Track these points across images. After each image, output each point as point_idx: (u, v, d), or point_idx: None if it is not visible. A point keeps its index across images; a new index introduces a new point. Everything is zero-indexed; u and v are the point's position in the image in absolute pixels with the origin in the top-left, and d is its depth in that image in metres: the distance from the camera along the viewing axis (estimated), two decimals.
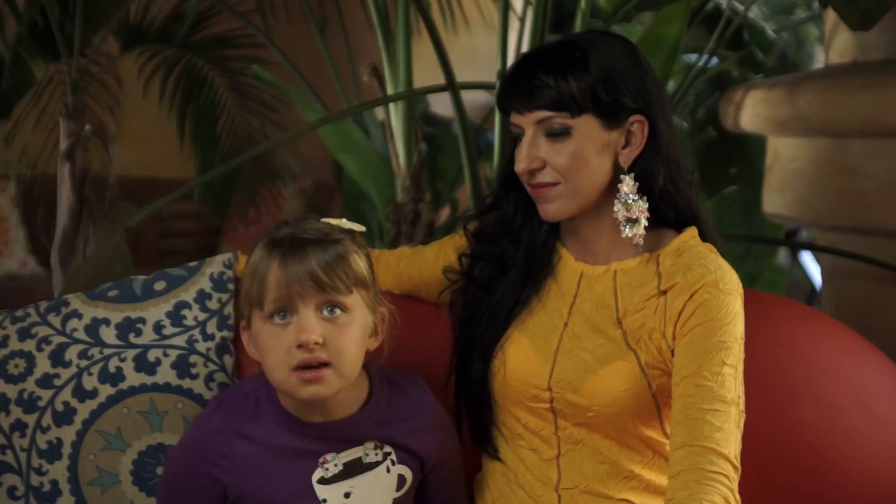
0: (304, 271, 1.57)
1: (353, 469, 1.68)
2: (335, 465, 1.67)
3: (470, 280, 1.83)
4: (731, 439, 1.59)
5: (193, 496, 1.68)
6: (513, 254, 1.79)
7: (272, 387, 1.67)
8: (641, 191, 1.70)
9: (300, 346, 1.58)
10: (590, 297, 1.74)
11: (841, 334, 2.00)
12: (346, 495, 1.67)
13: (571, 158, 1.67)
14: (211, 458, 1.66)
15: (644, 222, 1.70)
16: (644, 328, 1.69)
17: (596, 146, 1.68)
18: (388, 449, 1.70)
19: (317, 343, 1.58)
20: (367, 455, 1.69)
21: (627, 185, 1.69)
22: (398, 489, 1.71)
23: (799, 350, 1.96)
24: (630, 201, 1.69)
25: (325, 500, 1.66)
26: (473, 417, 1.81)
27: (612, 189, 1.71)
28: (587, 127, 1.67)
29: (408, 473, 1.72)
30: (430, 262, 1.92)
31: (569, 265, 1.77)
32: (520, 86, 1.69)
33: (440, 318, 1.91)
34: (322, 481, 1.66)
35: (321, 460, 1.66)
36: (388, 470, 1.70)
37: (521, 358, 1.75)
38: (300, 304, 1.59)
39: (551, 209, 1.71)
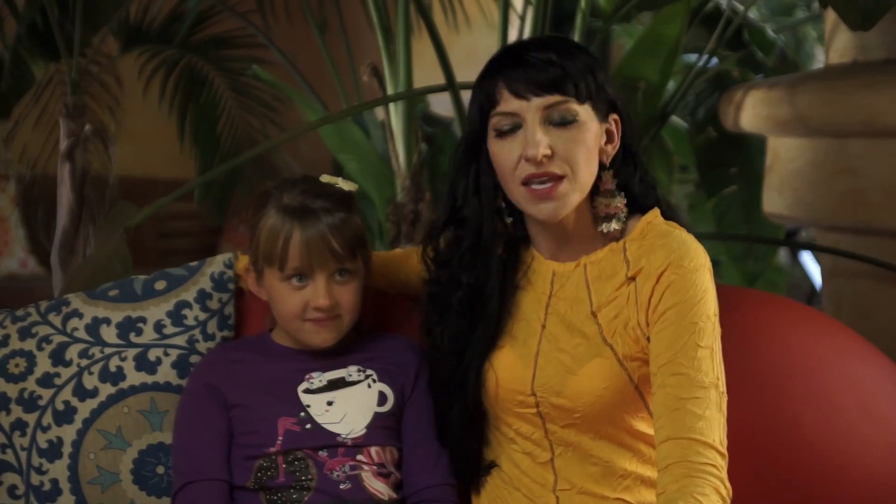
0: (324, 245, 1.76)
1: (337, 384, 1.83)
2: (320, 381, 1.83)
3: (447, 307, 1.79)
4: (714, 426, 1.58)
5: (201, 406, 1.83)
6: (486, 274, 1.76)
7: (268, 333, 1.89)
8: (621, 187, 1.72)
9: (316, 308, 1.78)
10: (563, 295, 1.74)
11: (841, 334, 2.00)
12: (329, 403, 1.81)
13: (579, 146, 1.65)
14: (212, 371, 1.85)
15: (623, 217, 1.71)
16: (619, 319, 1.69)
17: (593, 137, 1.68)
18: (370, 371, 1.85)
19: (330, 305, 1.79)
20: (350, 375, 1.84)
21: (609, 180, 1.70)
22: (380, 404, 1.83)
23: (799, 350, 1.96)
24: (609, 197, 1.71)
25: (308, 406, 1.81)
26: (462, 457, 1.81)
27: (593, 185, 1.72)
28: (588, 116, 1.67)
29: (388, 392, 1.84)
30: (415, 265, 1.90)
31: (541, 265, 1.77)
32: (527, 67, 1.66)
33: None
34: (307, 392, 1.82)
35: (307, 376, 1.83)
36: (370, 386, 1.84)
37: (504, 366, 1.75)
38: (317, 273, 1.78)
39: (552, 207, 1.67)
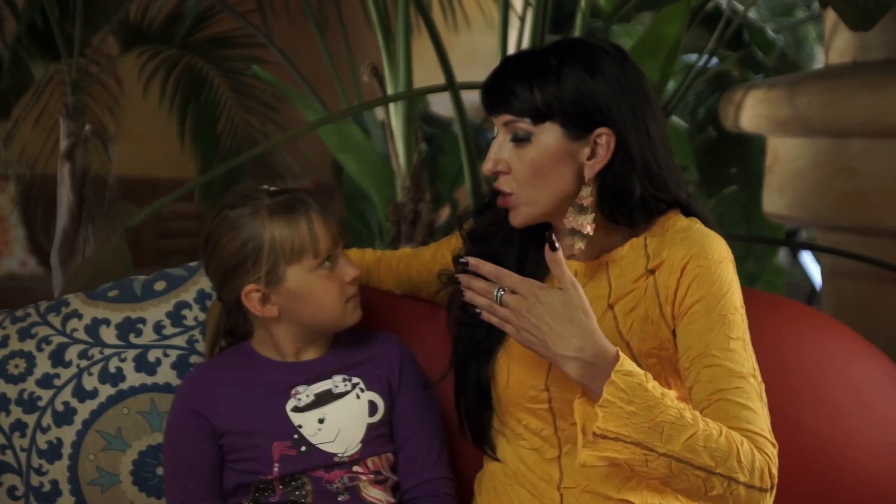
0: (333, 220, 1.80)
1: (324, 398, 1.80)
2: (307, 396, 1.80)
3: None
4: (760, 415, 1.58)
5: (188, 436, 1.80)
6: (507, 254, 1.79)
7: (247, 342, 1.85)
8: (619, 200, 1.69)
9: (352, 281, 1.80)
10: (584, 293, 1.74)
11: (841, 334, 2.00)
12: (321, 421, 1.79)
13: (529, 166, 1.68)
14: (195, 398, 1.81)
15: (586, 235, 1.68)
16: (635, 312, 1.69)
17: (555, 155, 1.67)
18: (356, 380, 1.83)
19: (360, 273, 1.85)
20: (337, 386, 1.82)
21: (582, 196, 1.68)
22: (371, 415, 1.81)
23: (799, 350, 1.96)
24: (579, 213, 1.69)
25: (300, 427, 1.78)
26: (473, 419, 1.82)
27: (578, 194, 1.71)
28: (549, 135, 1.67)
29: (378, 399, 1.82)
30: (428, 261, 1.94)
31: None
32: (492, 89, 1.71)
33: (440, 318, 1.91)
34: (296, 410, 1.79)
35: (293, 391, 1.80)
36: (358, 396, 1.82)
37: (520, 362, 1.75)
38: (337, 250, 1.80)
39: (514, 217, 1.72)
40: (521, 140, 1.68)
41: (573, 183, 1.69)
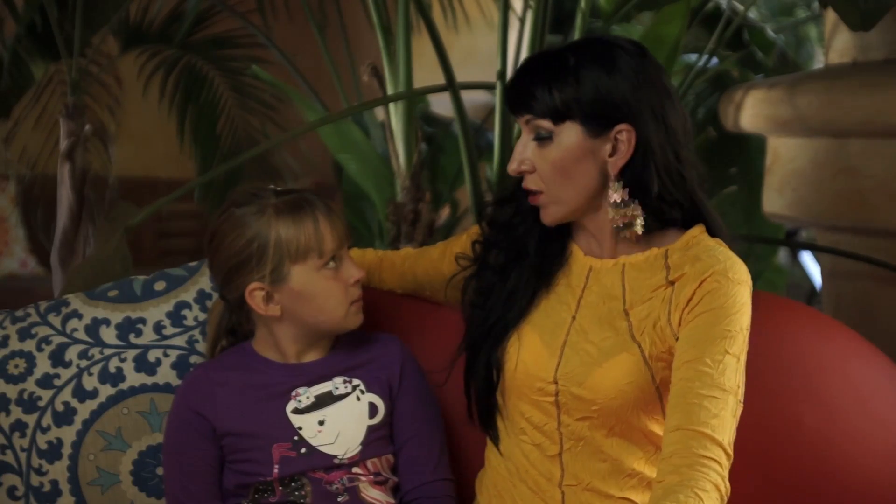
0: (339, 221, 1.80)
1: (325, 400, 1.81)
2: (307, 398, 1.81)
3: (483, 266, 1.84)
4: (726, 427, 1.59)
5: (188, 436, 1.81)
6: (527, 243, 1.81)
7: (248, 343, 1.85)
8: (636, 196, 1.71)
9: (356, 283, 1.80)
10: (598, 290, 1.75)
11: (841, 334, 2.00)
12: (321, 423, 1.79)
13: (552, 165, 1.70)
14: (196, 398, 1.81)
15: (641, 221, 1.72)
16: (649, 318, 1.70)
17: (577, 153, 1.70)
18: (356, 382, 1.83)
19: (365, 275, 1.85)
20: (337, 388, 1.82)
21: (616, 192, 1.71)
22: (371, 416, 1.82)
23: (799, 350, 1.96)
24: (621, 207, 1.71)
25: (300, 428, 1.79)
26: (482, 402, 1.83)
27: (605, 191, 1.72)
28: (569, 133, 1.69)
29: (378, 401, 1.83)
30: (436, 260, 1.94)
31: (579, 260, 1.79)
32: (513, 91, 1.74)
33: (441, 318, 1.91)
34: (296, 412, 1.80)
35: (293, 393, 1.81)
36: (359, 398, 1.82)
37: (530, 351, 1.76)
38: (342, 250, 1.80)
39: (545, 216, 1.75)
40: (543, 139, 1.71)
41: (597, 180, 1.71)
